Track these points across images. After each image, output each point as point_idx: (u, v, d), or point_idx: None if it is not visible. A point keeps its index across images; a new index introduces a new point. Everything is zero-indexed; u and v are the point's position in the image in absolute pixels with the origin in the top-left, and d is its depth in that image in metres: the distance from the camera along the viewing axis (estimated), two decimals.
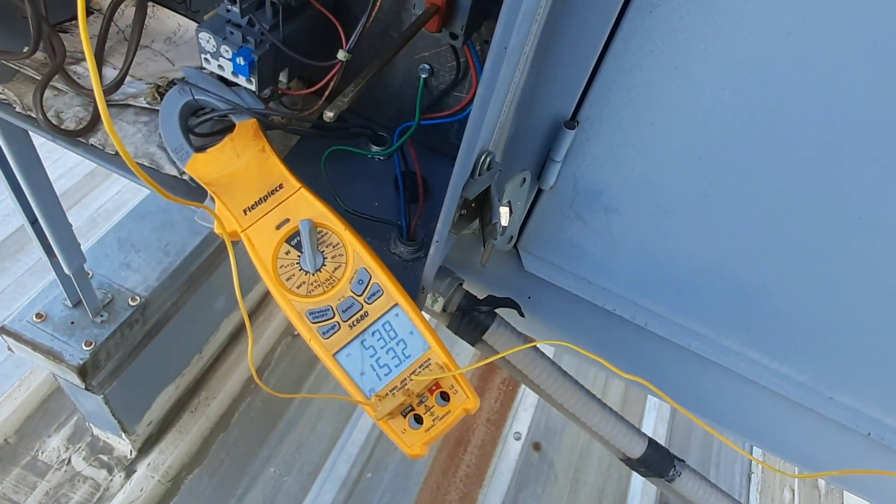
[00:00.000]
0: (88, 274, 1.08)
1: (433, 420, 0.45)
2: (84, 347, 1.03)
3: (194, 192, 0.54)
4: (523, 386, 1.72)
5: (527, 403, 1.68)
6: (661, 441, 1.65)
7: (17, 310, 1.50)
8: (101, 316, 1.07)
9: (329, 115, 0.41)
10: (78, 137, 0.55)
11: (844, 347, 0.53)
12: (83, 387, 1.06)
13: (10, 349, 1.05)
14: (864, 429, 0.56)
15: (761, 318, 0.54)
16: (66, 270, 0.95)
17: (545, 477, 1.58)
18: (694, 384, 0.62)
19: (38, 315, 1.04)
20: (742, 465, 1.69)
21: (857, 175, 0.42)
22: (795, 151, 0.43)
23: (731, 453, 1.67)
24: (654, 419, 1.70)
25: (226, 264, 1.34)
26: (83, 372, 1.03)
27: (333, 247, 0.48)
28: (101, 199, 1.78)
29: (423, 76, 0.57)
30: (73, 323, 1.05)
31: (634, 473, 1.57)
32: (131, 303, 1.11)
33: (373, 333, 0.46)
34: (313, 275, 0.48)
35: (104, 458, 1.36)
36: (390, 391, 0.45)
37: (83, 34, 0.30)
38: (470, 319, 0.56)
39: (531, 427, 1.64)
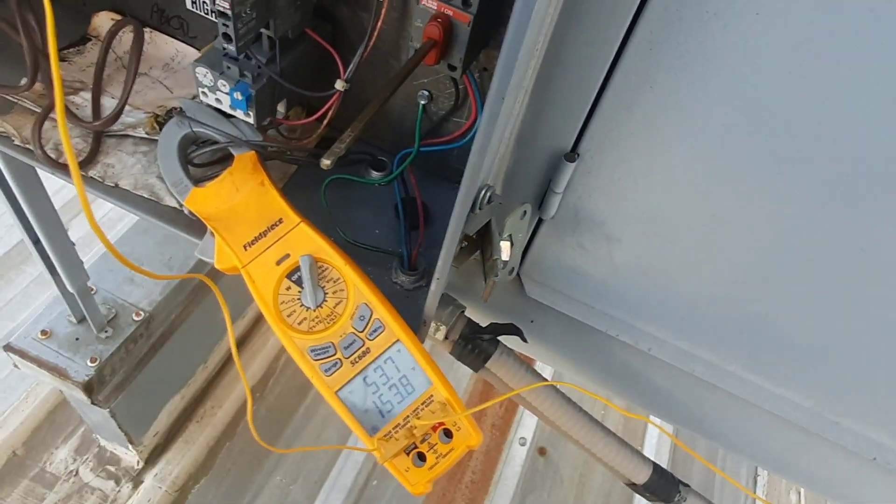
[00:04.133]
0: (92, 290, 1.08)
1: (436, 458, 0.45)
2: (89, 364, 1.03)
3: (194, 224, 0.54)
4: None
5: None
6: (664, 460, 1.65)
7: (22, 321, 1.52)
8: (106, 332, 1.07)
9: (326, 162, 0.41)
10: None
11: (850, 373, 0.53)
12: (89, 402, 1.07)
13: (15, 366, 1.06)
14: (869, 453, 0.56)
15: (765, 344, 0.54)
16: (69, 288, 0.95)
17: (551, 482, 1.58)
18: (698, 409, 0.61)
19: (43, 332, 1.04)
20: (748, 466, 1.68)
21: (861, 208, 0.42)
22: (797, 186, 0.42)
23: (734, 471, 1.67)
24: (657, 436, 1.69)
25: (227, 275, 1.35)
26: (89, 388, 1.03)
27: (334, 282, 0.48)
28: (102, 209, 1.78)
29: (423, 102, 0.57)
30: (77, 339, 1.05)
31: None
32: (135, 318, 1.11)
33: (375, 370, 0.46)
34: (314, 311, 0.47)
35: (111, 468, 1.36)
36: (393, 428, 0.45)
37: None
38: (473, 347, 0.56)
39: (536, 432, 1.64)
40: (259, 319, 1.67)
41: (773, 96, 0.39)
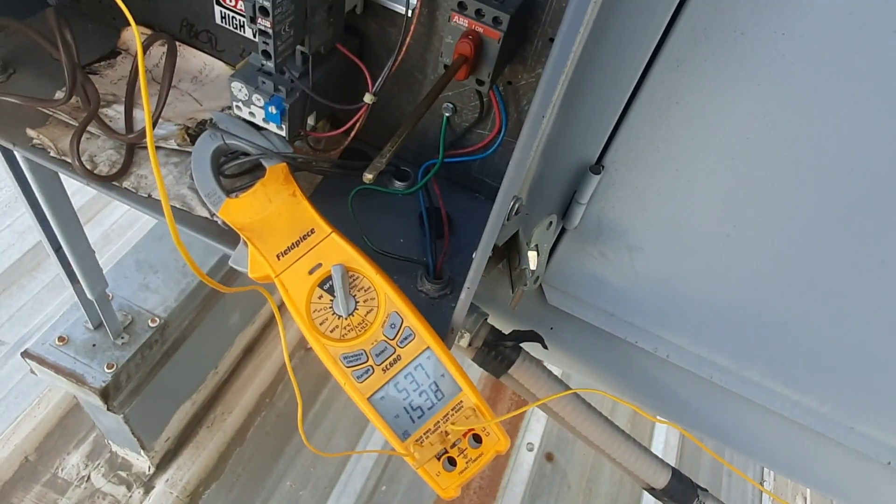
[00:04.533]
0: (109, 296, 1.10)
1: (466, 462, 0.46)
2: (106, 370, 1.04)
3: (225, 234, 0.55)
4: None
5: (539, 414, 1.69)
6: (672, 457, 1.66)
7: (34, 327, 1.53)
8: (122, 338, 1.08)
9: (368, 176, 0.42)
10: (112, 181, 0.56)
11: (865, 380, 0.54)
12: (105, 408, 1.08)
13: (32, 372, 1.07)
14: (884, 458, 0.57)
15: (783, 352, 0.55)
16: (88, 295, 0.97)
17: (558, 487, 1.59)
18: (715, 414, 0.63)
19: (61, 338, 1.05)
20: (754, 473, 1.69)
21: (880, 221, 0.43)
22: (819, 198, 0.43)
23: (743, 460, 1.68)
24: (665, 437, 1.70)
25: (241, 281, 1.36)
26: (105, 394, 1.04)
27: (365, 290, 0.49)
28: (115, 214, 1.79)
29: (447, 115, 0.58)
30: (94, 346, 1.06)
31: None
32: (151, 324, 1.12)
33: (406, 376, 0.47)
34: (346, 319, 0.49)
35: (123, 474, 1.37)
36: (424, 434, 0.46)
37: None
38: (496, 354, 0.57)
39: (544, 438, 1.65)
40: (268, 326, 1.68)
41: (797, 113, 0.40)
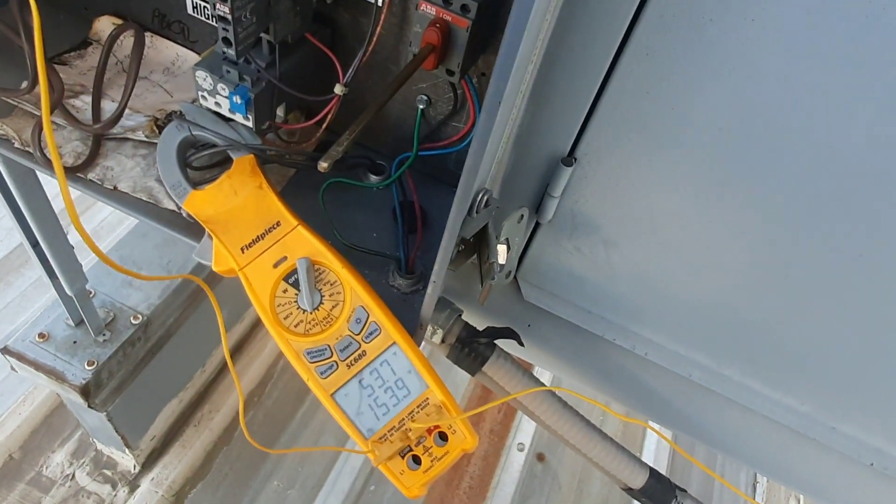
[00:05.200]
0: (90, 293, 1.08)
1: (431, 461, 0.45)
2: (86, 367, 1.03)
3: (192, 227, 0.54)
4: None
5: None
6: (663, 464, 1.64)
7: (21, 325, 1.51)
8: (104, 335, 1.07)
9: (323, 165, 0.41)
10: (77, 173, 0.55)
11: (846, 378, 0.53)
12: (86, 405, 1.07)
13: (13, 368, 1.05)
14: (866, 459, 0.56)
15: (763, 350, 0.54)
16: (67, 291, 0.95)
17: (549, 488, 1.58)
18: (695, 413, 0.61)
19: (41, 335, 1.04)
20: (747, 473, 1.68)
21: (857, 214, 0.42)
22: (793, 191, 0.42)
23: (733, 476, 1.67)
24: (656, 443, 1.69)
25: (228, 278, 1.35)
26: (86, 391, 1.03)
27: (331, 284, 0.48)
28: (103, 211, 1.78)
29: (421, 107, 0.57)
30: (75, 342, 1.05)
31: None
32: (133, 321, 1.11)
33: (371, 373, 0.46)
34: (311, 313, 0.48)
35: (108, 473, 1.36)
36: (388, 431, 0.45)
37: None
38: (469, 351, 0.56)
39: (535, 438, 1.64)
40: (257, 324, 1.67)
41: (769, 102, 0.39)
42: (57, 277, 0.93)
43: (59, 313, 1.06)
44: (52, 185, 0.92)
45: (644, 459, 0.61)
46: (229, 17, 0.42)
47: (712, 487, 1.64)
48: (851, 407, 0.55)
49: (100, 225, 1.76)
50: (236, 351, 1.60)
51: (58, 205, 0.90)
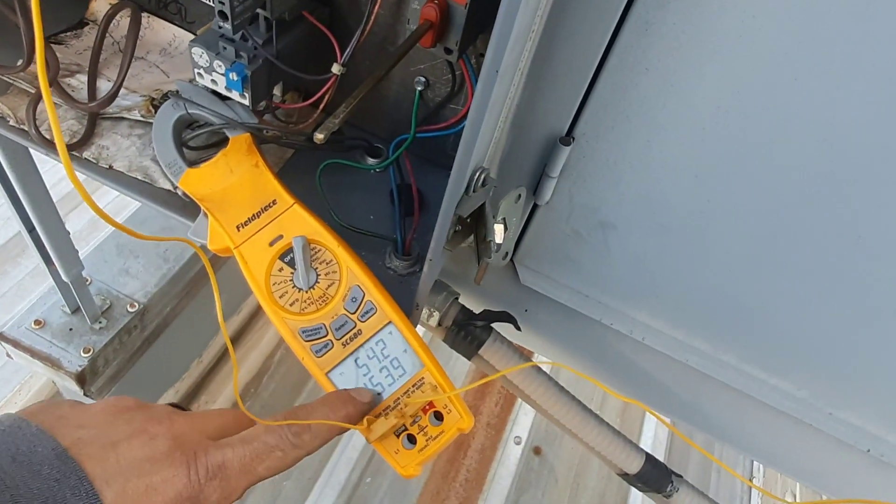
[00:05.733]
0: (87, 280, 1.08)
1: (427, 440, 0.45)
2: (82, 354, 1.03)
3: (188, 206, 0.54)
4: None
5: (527, 408, 1.68)
6: (661, 451, 1.65)
7: (17, 314, 1.51)
8: (100, 322, 1.06)
9: (319, 136, 0.41)
10: (72, 151, 0.54)
11: (844, 364, 0.53)
12: (82, 393, 1.06)
13: (8, 355, 1.05)
14: (863, 445, 0.56)
15: (760, 335, 0.54)
16: (63, 278, 0.95)
17: (545, 481, 1.58)
18: (692, 399, 0.61)
19: (37, 322, 1.04)
20: (743, 469, 1.68)
21: (855, 196, 0.42)
22: (793, 172, 0.42)
23: (731, 462, 1.67)
24: (654, 429, 1.69)
25: (226, 267, 1.34)
26: (81, 379, 1.03)
27: (327, 263, 0.48)
28: (102, 201, 1.77)
29: (419, 89, 0.57)
30: (71, 329, 1.05)
31: None
32: (130, 309, 1.10)
33: (366, 352, 0.46)
34: (306, 292, 0.47)
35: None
36: (383, 410, 0.45)
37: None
38: (466, 334, 0.56)
39: (531, 431, 1.64)
40: (254, 315, 1.66)
41: (769, 80, 0.38)
42: (53, 264, 0.93)
43: (56, 300, 1.06)
44: (49, 173, 0.91)
45: (642, 445, 0.61)
46: None
47: (709, 474, 1.65)
48: (849, 393, 0.54)
49: (95, 217, 1.76)
50: (233, 342, 1.59)
51: (55, 193, 0.90)
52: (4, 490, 0.29)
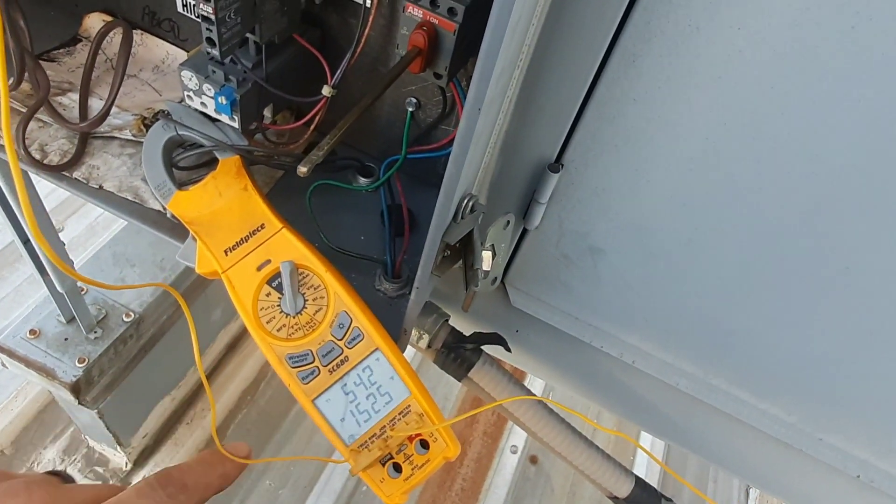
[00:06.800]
0: (82, 290, 1.08)
1: (412, 469, 0.44)
2: (77, 364, 1.03)
3: (177, 227, 0.54)
4: None
5: None
6: (655, 475, 1.64)
7: (14, 320, 1.51)
8: (95, 332, 1.06)
9: (302, 170, 0.41)
10: (62, 171, 0.54)
11: (833, 390, 0.52)
12: (76, 402, 1.06)
13: (3, 365, 1.05)
14: (853, 471, 0.56)
15: (749, 359, 0.53)
16: (58, 288, 0.95)
17: (542, 490, 1.57)
18: (682, 422, 0.61)
19: (32, 331, 1.04)
20: (738, 494, 1.67)
21: (843, 226, 0.41)
22: (780, 202, 0.42)
23: (726, 490, 1.66)
24: (649, 449, 1.68)
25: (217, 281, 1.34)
26: (76, 389, 1.03)
27: (315, 289, 0.48)
28: (95, 211, 1.78)
29: (410, 109, 0.57)
30: (66, 339, 1.05)
31: None
32: (125, 318, 1.10)
33: (353, 378, 0.46)
34: (294, 317, 0.47)
35: (100, 470, 1.36)
36: (369, 438, 0.45)
37: None
38: (456, 357, 0.56)
39: (528, 440, 1.63)
40: None
41: (755, 111, 0.38)
42: (48, 274, 0.93)
43: (51, 310, 1.06)
44: (44, 182, 0.91)
45: (637, 466, 0.61)
46: (213, 16, 0.41)
47: (706, 472, 1.64)
48: (838, 418, 0.54)
49: (96, 220, 1.76)
50: (231, 349, 1.59)
51: (50, 202, 0.90)
52: None
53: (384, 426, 0.45)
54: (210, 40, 0.43)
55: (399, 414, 0.45)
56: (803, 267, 0.45)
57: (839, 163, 0.39)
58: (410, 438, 0.45)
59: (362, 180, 0.61)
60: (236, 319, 1.63)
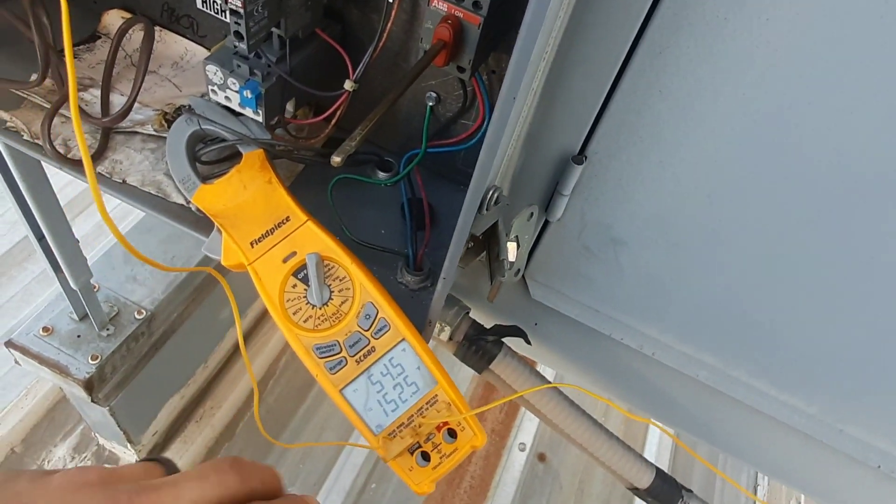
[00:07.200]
0: (95, 287, 1.08)
1: (440, 457, 0.45)
2: (90, 361, 1.03)
3: (200, 221, 0.54)
4: None
5: (531, 415, 1.68)
6: (665, 463, 1.65)
7: (23, 319, 1.52)
8: (108, 329, 1.07)
9: (336, 159, 0.41)
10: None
11: (854, 381, 0.53)
12: (89, 400, 1.07)
13: (16, 362, 1.05)
14: (874, 461, 0.56)
15: (770, 351, 0.54)
16: (72, 285, 0.95)
17: (550, 488, 1.58)
18: (702, 413, 0.61)
19: (45, 329, 1.04)
20: (748, 476, 1.68)
21: (867, 218, 0.42)
22: (805, 193, 0.42)
23: (737, 465, 1.66)
24: (658, 441, 1.69)
25: (233, 274, 1.35)
26: (89, 385, 1.03)
27: (340, 280, 0.48)
28: (108, 206, 1.77)
29: (430, 104, 0.57)
30: (79, 336, 1.05)
31: None
32: (137, 316, 1.11)
33: (380, 368, 0.46)
34: (320, 308, 0.47)
35: (109, 467, 1.36)
36: (397, 427, 0.45)
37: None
38: (477, 349, 0.56)
39: (536, 438, 1.64)
40: (260, 322, 1.67)
41: (782, 102, 0.39)
42: (62, 271, 0.93)
43: (64, 307, 1.06)
44: (55, 177, 0.91)
45: (646, 456, 0.61)
46: (241, 10, 0.42)
47: (713, 489, 1.64)
48: (859, 409, 0.54)
49: (101, 222, 1.77)
50: (238, 348, 1.60)
51: (61, 198, 0.90)
52: None
53: (412, 415, 0.45)
54: (238, 34, 0.44)
55: (426, 403, 0.45)
56: (825, 258, 0.45)
57: (865, 153, 0.39)
58: (438, 428, 0.45)
59: (381, 174, 0.62)
60: (244, 318, 1.63)
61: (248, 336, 1.63)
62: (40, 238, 0.88)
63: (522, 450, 1.61)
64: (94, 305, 1.03)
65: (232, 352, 1.57)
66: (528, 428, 1.65)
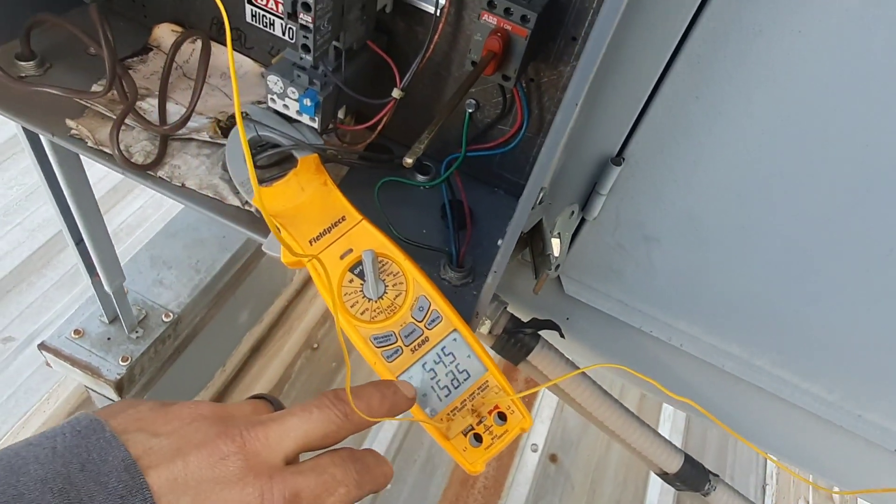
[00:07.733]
0: (125, 291, 1.11)
1: (492, 439, 0.48)
2: (121, 363, 1.06)
3: (257, 221, 0.58)
4: (540, 397, 1.74)
5: (543, 416, 1.71)
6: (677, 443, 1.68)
7: (44, 324, 1.54)
8: (137, 332, 1.10)
9: (408, 161, 0.45)
10: (147, 171, 0.58)
11: (874, 369, 0.56)
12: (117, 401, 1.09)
13: (48, 364, 1.08)
14: (890, 445, 0.59)
15: (793, 341, 0.57)
16: (107, 289, 0.98)
17: (562, 488, 1.60)
18: (726, 401, 0.65)
19: (76, 331, 1.07)
20: (757, 476, 1.71)
21: (889, 212, 0.45)
22: (831, 194, 0.46)
23: (745, 463, 1.70)
24: (670, 429, 1.72)
25: (251, 279, 1.37)
26: (120, 386, 1.06)
27: (394, 275, 0.52)
28: (123, 214, 1.81)
29: (469, 111, 0.61)
30: (109, 339, 1.08)
31: (650, 484, 1.59)
32: (164, 319, 1.14)
33: (433, 357, 0.49)
34: (376, 302, 0.51)
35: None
36: (451, 411, 0.48)
37: None
38: (515, 341, 0.59)
39: (548, 439, 1.67)
40: (275, 326, 1.70)
41: (813, 109, 0.42)
42: (97, 275, 0.96)
43: (94, 310, 1.09)
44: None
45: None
46: (311, 25, 0.45)
47: (724, 471, 1.67)
48: (878, 396, 0.58)
49: (119, 227, 1.79)
50: (255, 351, 1.62)
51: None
52: None
53: (464, 400, 0.48)
54: (305, 47, 0.47)
55: (478, 389, 0.49)
56: (848, 253, 0.49)
57: (889, 158, 0.43)
58: (489, 411, 0.48)
59: (420, 177, 0.65)
60: (261, 322, 1.66)
61: (262, 340, 1.66)
62: (78, 242, 0.91)
63: (535, 451, 1.64)
64: (125, 308, 1.06)
65: (249, 355, 1.60)
66: (539, 429, 1.68)
